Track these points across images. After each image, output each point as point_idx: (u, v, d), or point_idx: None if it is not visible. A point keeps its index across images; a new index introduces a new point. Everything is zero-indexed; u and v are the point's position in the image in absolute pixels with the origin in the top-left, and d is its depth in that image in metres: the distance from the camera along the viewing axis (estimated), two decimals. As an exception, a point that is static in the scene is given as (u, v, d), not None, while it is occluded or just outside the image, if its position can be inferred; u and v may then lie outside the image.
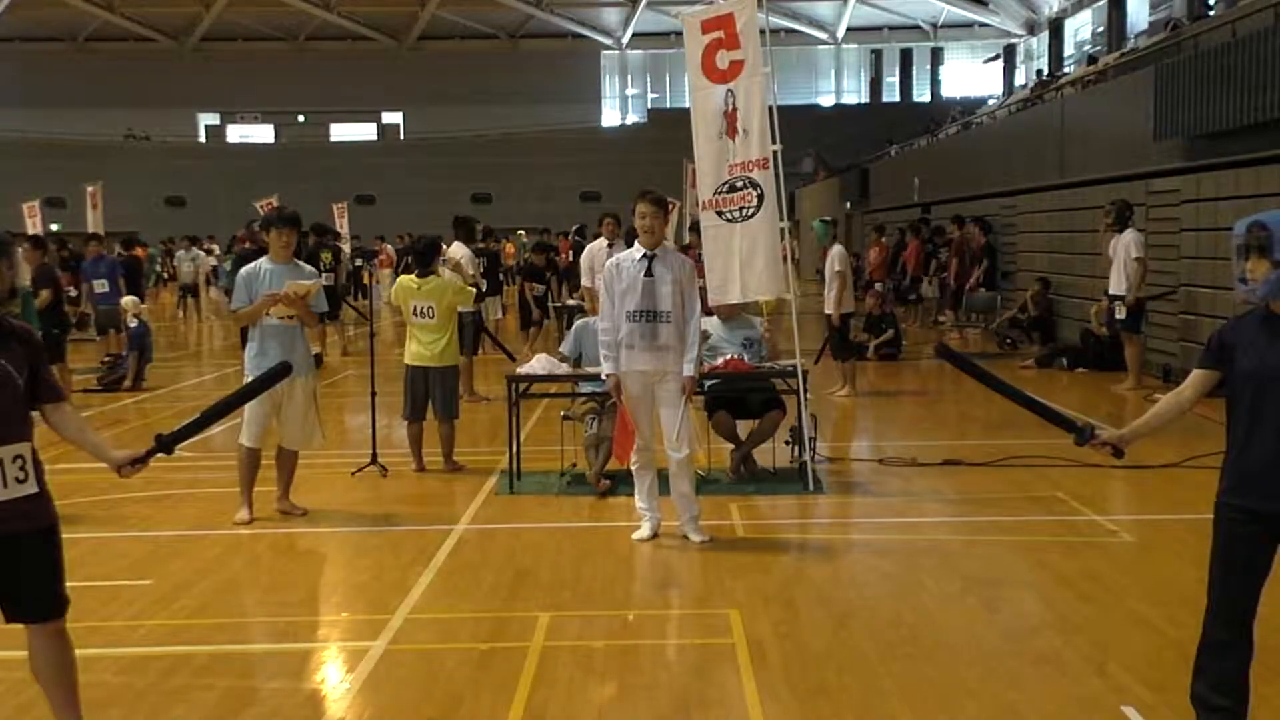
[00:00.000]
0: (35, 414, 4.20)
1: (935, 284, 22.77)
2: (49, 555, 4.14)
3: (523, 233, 28.37)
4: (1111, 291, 13.69)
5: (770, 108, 9.28)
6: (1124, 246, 13.39)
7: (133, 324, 15.72)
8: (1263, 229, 3.94)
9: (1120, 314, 13.57)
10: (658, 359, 7.33)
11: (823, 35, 54.02)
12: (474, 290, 11.38)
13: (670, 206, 27.94)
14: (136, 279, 18.07)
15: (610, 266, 7.51)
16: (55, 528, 4.18)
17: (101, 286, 17.29)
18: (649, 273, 7.30)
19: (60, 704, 4.28)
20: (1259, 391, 3.97)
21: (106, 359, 16.13)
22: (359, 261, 28.19)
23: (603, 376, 7.55)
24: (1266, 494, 3.96)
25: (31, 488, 4.02)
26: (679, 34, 10.29)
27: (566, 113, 51.10)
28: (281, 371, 4.94)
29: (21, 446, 4.01)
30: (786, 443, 9.42)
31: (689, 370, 7.34)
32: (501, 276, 19.38)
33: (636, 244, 7.52)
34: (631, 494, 8.73)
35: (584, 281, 14.23)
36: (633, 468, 7.55)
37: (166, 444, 4.35)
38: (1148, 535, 7.54)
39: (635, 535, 7.55)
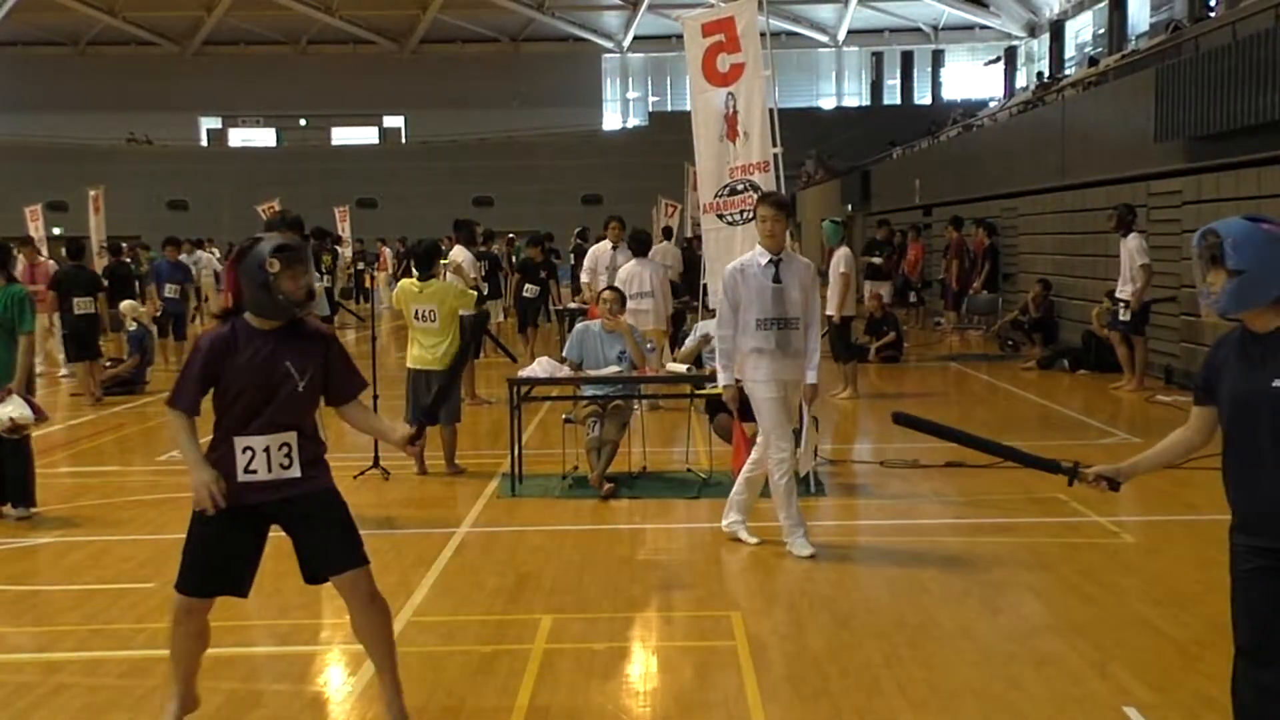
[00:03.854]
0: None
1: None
2: (333, 507, 4.54)
3: (513, 235, 28.27)
4: (1118, 295, 13.75)
5: (771, 110, 9.29)
6: (1128, 251, 13.47)
7: (132, 327, 15.75)
8: (1215, 236, 3.58)
9: (1124, 315, 13.63)
10: (792, 366, 7.11)
11: (823, 38, 53.99)
12: (475, 293, 11.40)
13: (670, 210, 27.58)
14: (129, 283, 18.10)
15: (733, 272, 7.16)
16: (332, 489, 4.58)
17: (173, 292, 17.46)
18: (777, 279, 7.06)
19: (379, 661, 4.64)
20: (1233, 417, 3.61)
21: (108, 363, 16.16)
22: (360, 265, 28.21)
23: (720, 386, 7.30)
24: (1266, 530, 3.57)
25: (294, 473, 4.44)
26: (680, 37, 10.31)
27: (568, 116, 51.09)
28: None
29: (288, 435, 4.42)
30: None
31: (812, 378, 7.17)
32: (515, 276, 19.30)
33: (759, 248, 7.19)
34: (634, 497, 8.77)
35: (584, 279, 14.26)
36: (778, 480, 7.18)
37: (431, 414, 4.86)
38: (1149, 537, 7.55)
39: (800, 551, 7.14)
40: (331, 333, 4.73)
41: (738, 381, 7.22)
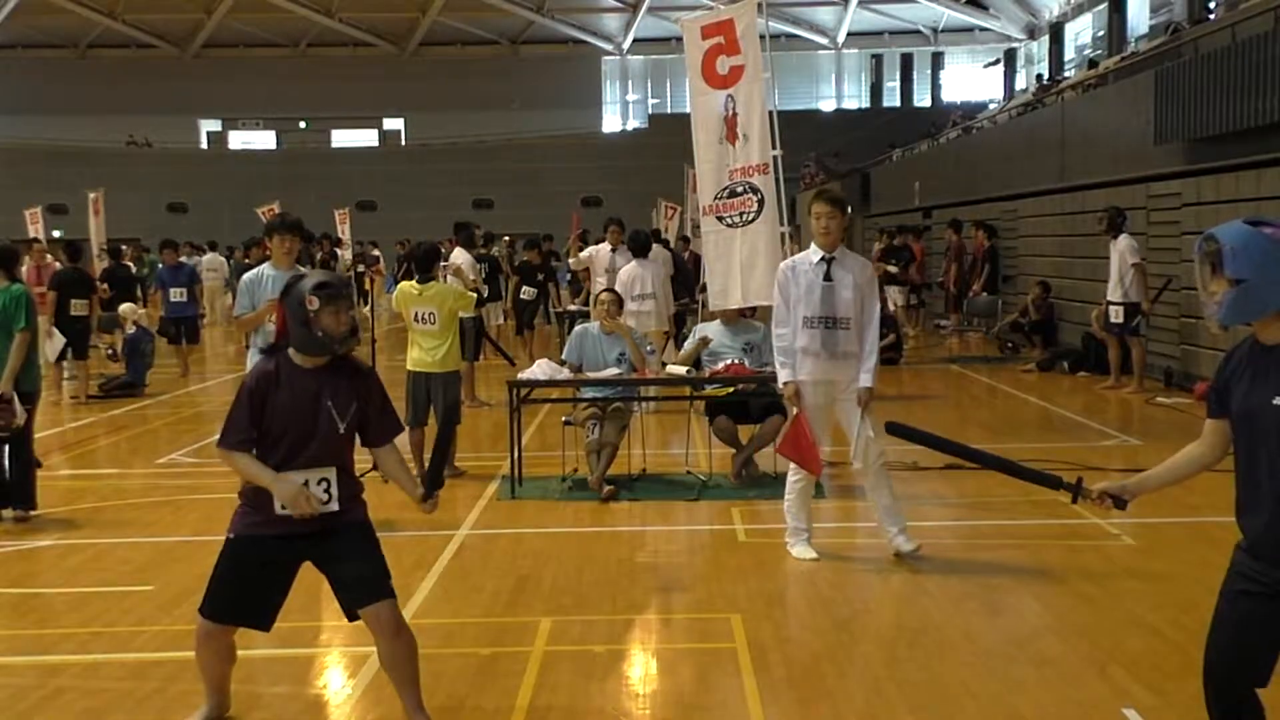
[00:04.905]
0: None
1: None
2: (364, 541, 4.59)
3: (507, 238, 28.23)
4: (1109, 297, 13.76)
5: (770, 113, 9.30)
6: (1119, 253, 13.50)
7: (131, 330, 15.76)
8: (1215, 242, 3.40)
9: (1116, 318, 13.65)
10: (839, 368, 6.97)
11: (823, 40, 54.00)
12: (475, 296, 11.41)
13: (670, 212, 27.55)
14: (129, 285, 18.12)
15: (785, 269, 7.11)
16: (366, 523, 4.64)
17: (179, 295, 17.45)
18: (828, 277, 6.94)
19: (404, 692, 4.67)
20: (1239, 432, 3.46)
21: (108, 354, 16.34)
22: (360, 267, 28.22)
23: (779, 385, 7.17)
24: (1262, 554, 3.42)
25: (333, 507, 4.51)
26: (679, 39, 10.32)
27: (568, 118, 51.11)
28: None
29: (327, 471, 4.49)
30: (788, 447, 9.40)
31: (866, 381, 6.96)
32: (515, 279, 19.27)
33: (813, 246, 7.08)
34: (633, 499, 8.76)
35: (571, 261, 14.45)
36: (794, 480, 7.14)
37: (434, 481, 4.68)
38: (1149, 538, 7.54)
39: (802, 554, 7.11)
40: (371, 370, 4.75)
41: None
